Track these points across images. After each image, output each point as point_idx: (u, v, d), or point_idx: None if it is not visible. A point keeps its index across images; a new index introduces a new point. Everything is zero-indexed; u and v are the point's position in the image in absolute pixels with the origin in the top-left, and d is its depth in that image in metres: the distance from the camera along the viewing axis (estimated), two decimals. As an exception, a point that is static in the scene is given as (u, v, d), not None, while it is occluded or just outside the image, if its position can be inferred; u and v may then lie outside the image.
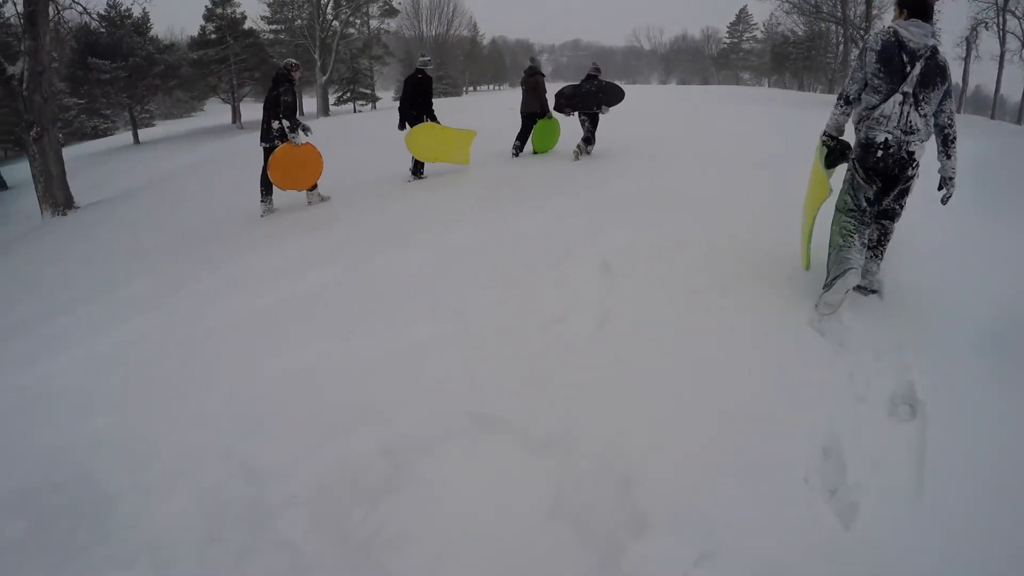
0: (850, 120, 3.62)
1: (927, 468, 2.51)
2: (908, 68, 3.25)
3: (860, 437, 2.70)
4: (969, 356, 3.25)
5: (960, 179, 3.59)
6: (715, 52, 67.33)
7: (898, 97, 3.27)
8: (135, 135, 30.43)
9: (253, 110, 44.43)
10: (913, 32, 3.26)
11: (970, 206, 5.90)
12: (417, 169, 8.49)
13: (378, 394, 3.07)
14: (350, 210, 6.97)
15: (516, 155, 9.60)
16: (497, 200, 6.78)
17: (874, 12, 32.12)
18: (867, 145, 3.43)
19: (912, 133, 3.32)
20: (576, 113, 9.01)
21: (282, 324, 4.01)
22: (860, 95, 3.47)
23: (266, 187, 7.32)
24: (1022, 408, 2.85)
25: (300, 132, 7.06)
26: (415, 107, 8.36)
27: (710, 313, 3.64)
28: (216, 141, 22.72)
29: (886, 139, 3.35)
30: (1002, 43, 31.14)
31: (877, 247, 3.73)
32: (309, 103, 40.44)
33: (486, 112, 13.93)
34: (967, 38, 31.76)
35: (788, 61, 51.14)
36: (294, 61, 7.31)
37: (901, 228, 3.87)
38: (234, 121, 36.08)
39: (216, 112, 42.83)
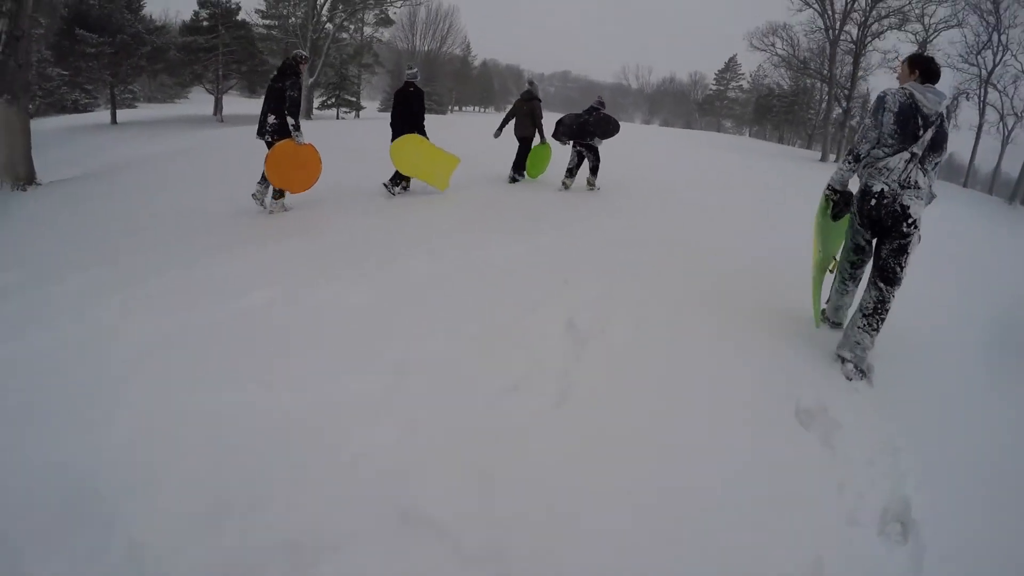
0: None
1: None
2: (921, 132, 3.35)
3: (850, 569, 2.31)
4: (970, 463, 2.93)
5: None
6: (700, 97, 68.38)
7: (906, 155, 3.36)
8: (113, 115, 29.21)
9: (236, 104, 43.61)
10: (930, 99, 3.36)
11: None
12: (396, 181, 8.03)
13: (289, 464, 2.55)
14: (312, 223, 6.43)
15: (513, 182, 9.53)
16: (472, 229, 6.37)
17: (860, 73, 32.77)
18: (864, 192, 3.54)
19: (909, 188, 3.39)
20: (571, 142, 8.99)
21: (205, 353, 3.46)
22: (870, 152, 3.51)
23: (269, 183, 6.73)
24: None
25: (301, 132, 6.58)
26: (406, 122, 7.90)
27: (683, 399, 3.23)
28: (194, 132, 21.71)
29: (882, 189, 3.44)
30: (981, 114, 32.04)
31: (872, 316, 3.59)
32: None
33: (471, 133, 13.50)
34: (948, 107, 32.49)
35: (771, 113, 52.22)
36: (304, 53, 6.76)
37: (899, 314, 3.60)
38: (215, 113, 34.98)
39: (200, 102, 41.58)
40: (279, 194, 6.81)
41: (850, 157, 3.57)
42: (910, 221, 3.42)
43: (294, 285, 4.43)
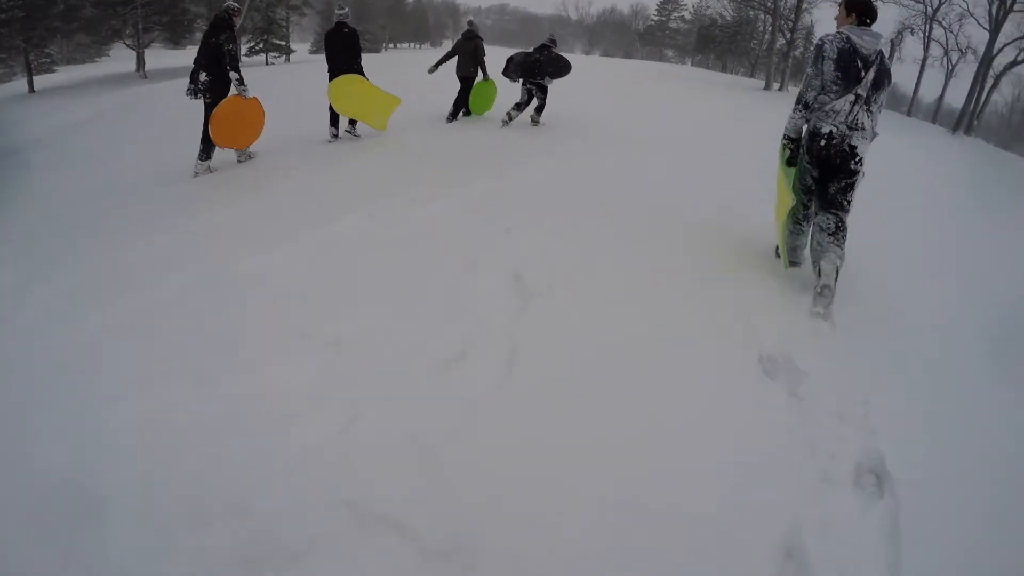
0: None
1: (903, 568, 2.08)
2: (863, 73, 3.48)
3: (827, 531, 2.18)
4: (943, 412, 2.85)
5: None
6: (641, 28, 67.23)
7: (851, 97, 3.49)
8: (30, 83, 26.92)
9: (160, 57, 40.77)
10: (867, 40, 3.49)
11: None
12: (334, 122, 7.68)
13: (231, 470, 2.28)
14: (241, 185, 5.95)
15: (450, 121, 9.26)
16: (410, 177, 5.99)
17: (804, 5, 32.58)
18: (813, 134, 3.64)
19: (856, 129, 3.53)
20: (521, 80, 8.85)
21: (127, 350, 3.06)
22: (816, 98, 3.61)
23: (207, 145, 6.31)
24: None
25: (246, 86, 6.19)
26: (344, 63, 7.44)
27: (643, 355, 3.05)
28: (118, 91, 20.03)
29: (831, 131, 3.56)
30: (926, 49, 32.34)
31: (836, 233, 3.68)
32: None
33: (409, 72, 12.74)
34: (892, 40, 32.82)
35: (713, 43, 51.80)
36: (235, 4, 6.35)
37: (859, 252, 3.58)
38: (138, 69, 32.52)
39: (124, 58, 38.03)
40: (205, 154, 6.34)
41: (799, 106, 3.66)
42: (857, 159, 3.58)
43: (218, 260, 4.02)
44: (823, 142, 3.58)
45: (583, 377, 2.83)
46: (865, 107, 3.52)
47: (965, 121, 27.03)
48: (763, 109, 18.50)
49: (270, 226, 4.66)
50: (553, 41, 8.91)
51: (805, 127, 3.73)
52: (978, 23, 28.49)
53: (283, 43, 40.20)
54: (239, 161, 6.61)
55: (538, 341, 3.07)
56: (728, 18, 50.02)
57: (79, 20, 30.04)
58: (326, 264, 3.95)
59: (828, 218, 3.68)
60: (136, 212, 5.38)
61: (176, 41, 37.10)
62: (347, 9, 7.59)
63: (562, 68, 8.78)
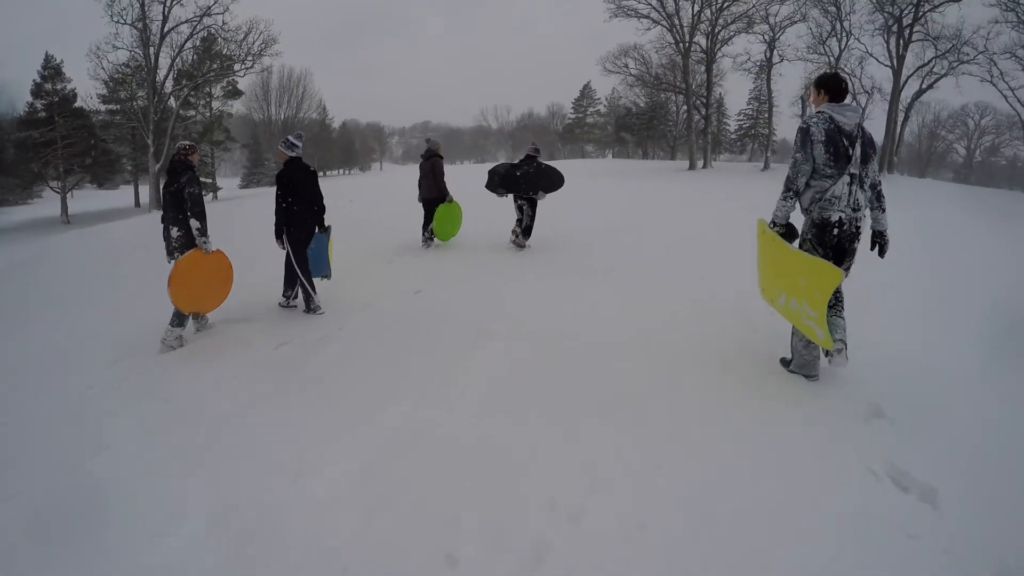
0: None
1: None
2: (850, 151, 3.50)
3: None
4: None
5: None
6: (560, 127, 70.43)
7: (846, 179, 3.51)
8: None
9: (89, 199, 39.48)
10: (848, 116, 3.52)
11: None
12: (290, 289, 5.98)
13: None
14: (192, 371, 4.65)
15: (427, 246, 8.69)
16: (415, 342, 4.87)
17: (714, 79, 34.83)
18: (822, 225, 3.61)
19: (859, 210, 3.60)
20: (510, 195, 8.29)
21: None
22: (807, 183, 3.61)
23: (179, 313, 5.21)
24: None
25: (208, 237, 5.21)
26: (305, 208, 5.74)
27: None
28: (31, 240, 18.10)
29: (840, 218, 3.56)
30: None
31: (836, 304, 3.73)
32: (143, 192, 36.52)
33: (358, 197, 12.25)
34: (802, 97, 35.13)
35: (631, 131, 54.47)
36: (188, 143, 5.43)
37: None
38: (62, 214, 31.58)
39: (55, 201, 35.93)
40: (178, 320, 5.18)
41: (789, 193, 3.63)
42: (860, 238, 3.68)
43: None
44: (835, 231, 3.58)
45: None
46: (859, 186, 3.56)
47: (886, 160, 28.55)
48: (701, 189, 19.05)
49: (216, 446, 3.42)
50: (537, 151, 8.43)
51: (808, 219, 3.69)
52: (878, 62, 30.93)
53: (209, 180, 39.69)
54: (163, 350, 5.12)
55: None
56: (642, 105, 52.89)
57: (-1, 162, 28.53)
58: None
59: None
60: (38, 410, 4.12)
61: (100, 184, 36.40)
62: (301, 145, 5.87)
63: (555, 181, 8.25)
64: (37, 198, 38.69)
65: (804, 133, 3.54)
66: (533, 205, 8.32)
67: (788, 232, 3.75)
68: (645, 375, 3.99)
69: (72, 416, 3.93)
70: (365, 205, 12.60)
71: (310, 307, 5.71)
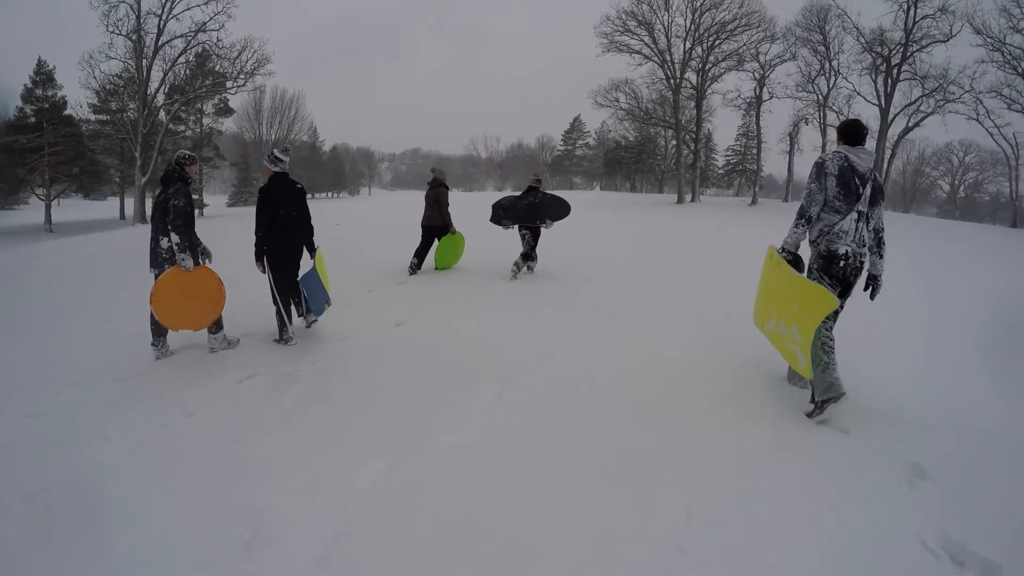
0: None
1: None
2: (861, 190, 3.71)
3: None
4: None
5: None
6: (549, 159, 70.74)
7: (854, 215, 3.72)
8: None
9: (75, 208, 38.81)
10: (862, 158, 3.74)
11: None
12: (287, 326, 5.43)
13: None
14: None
15: (413, 273, 8.47)
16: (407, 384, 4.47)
17: (704, 115, 35.12)
18: (829, 257, 3.81)
19: (863, 246, 3.81)
20: (516, 227, 8.31)
21: None
22: (819, 214, 3.82)
23: (157, 326, 5.04)
24: None
25: (190, 254, 4.90)
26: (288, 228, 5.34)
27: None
28: (9, 248, 17.56)
29: (847, 251, 3.76)
30: (824, 134, 34.91)
31: (830, 349, 3.83)
32: (129, 205, 36.05)
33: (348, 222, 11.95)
34: (790, 134, 35.50)
35: (620, 165, 54.82)
36: (188, 153, 5.14)
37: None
38: (45, 222, 31.07)
39: (41, 208, 35.32)
40: (216, 327, 5.16)
41: (802, 220, 3.82)
42: (862, 272, 3.87)
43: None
44: (842, 263, 3.76)
45: None
46: (865, 223, 3.75)
47: (875, 196, 28.93)
48: (692, 220, 19.05)
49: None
50: (539, 180, 8.45)
51: (816, 251, 3.88)
52: (866, 100, 31.50)
53: (196, 196, 39.36)
54: (211, 350, 5.15)
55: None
56: (631, 139, 53.32)
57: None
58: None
59: (827, 323, 3.82)
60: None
61: (86, 193, 35.86)
62: (287, 159, 5.50)
63: (562, 209, 8.25)
64: (24, 204, 38.24)
65: (819, 167, 3.77)
66: (536, 234, 8.28)
67: (795, 262, 3.89)
68: (656, 432, 3.64)
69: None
70: (350, 229, 12.29)
71: (282, 337, 5.34)
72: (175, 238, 4.81)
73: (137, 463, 3.36)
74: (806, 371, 3.67)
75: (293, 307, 5.45)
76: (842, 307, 3.89)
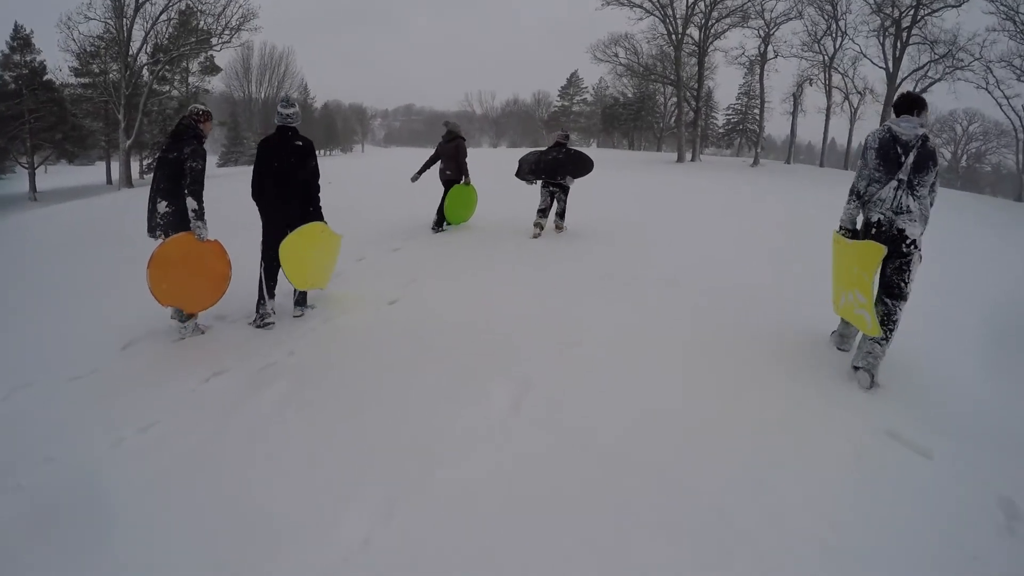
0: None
1: None
2: (903, 158, 3.73)
3: None
4: None
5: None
6: (546, 115, 69.47)
7: (893, 183, 3.74)
8: None
9: (61, 175, 38.01)
10: (904, 127, 3.77)
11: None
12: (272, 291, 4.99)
13: None
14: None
15: (436, 231, 8.43)
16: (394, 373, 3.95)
17: (705, 73, 34.15)
18: (866, 223, 3.90)
19: (902, 213, 3.74)
20: (539, 182, 8.15)
21: None
22: (867, 188, 3.88)
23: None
24: None
25: (205, 222, 4.48)
26: (296, 190, 4.94)
27: None
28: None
29: (879, 219, 3.81)
30: (828, 96, 34.24)
31: (883, 326, 3.82)
32: (115, 169, 35.27)
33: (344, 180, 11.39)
34: (794, 95, 34.72)
35: (618, 121, 53.77)
36: (202, 107, 4.73)
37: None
38: (30, 190, 30.45)
39: (26, 177, 34.88)
40: (179, 312, 4.65)
41: (852, 196, 3.97)
42: (908, 242, 3.75)
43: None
44: (874, 230, 3.82)
45: None
46: (908, 191, 3.72)
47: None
48: (694, 179, 18.53)
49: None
50: (566, 137, 8.34)
51: (860, 218, 3.99)
52: (872, 63, 30.80)
53: (188, 157, 38.52)
54: (180, 337, 4.59)
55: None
56: (630, 95, 52.17)
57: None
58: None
59: (877, 310, 3.82)
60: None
61: (70, 159, 35.17)
62: (296, 108, 5.02)
63: (585, 165, 8.12)
64: (11, 173, 37.40)
65: (864, 143, 3.96)
66: (565, 191, 8.23)
67: (854, 236, 4.00)
68: (705, 459, 2.99)
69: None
70: (342, 188, 11.70)
71: (258, 312, 4.85)
72: (192, 203, 4.40)
73: (77, 497, 2.77)
74: (874, 330, 3.75)
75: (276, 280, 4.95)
76: (894, 281, 3.83)
